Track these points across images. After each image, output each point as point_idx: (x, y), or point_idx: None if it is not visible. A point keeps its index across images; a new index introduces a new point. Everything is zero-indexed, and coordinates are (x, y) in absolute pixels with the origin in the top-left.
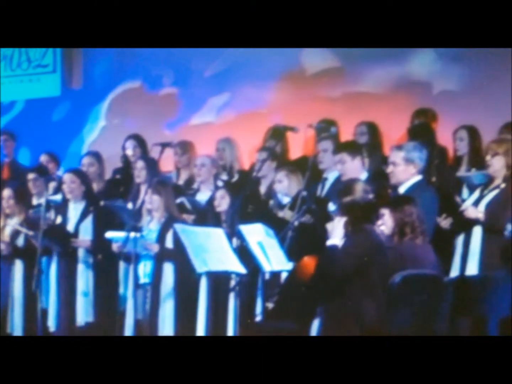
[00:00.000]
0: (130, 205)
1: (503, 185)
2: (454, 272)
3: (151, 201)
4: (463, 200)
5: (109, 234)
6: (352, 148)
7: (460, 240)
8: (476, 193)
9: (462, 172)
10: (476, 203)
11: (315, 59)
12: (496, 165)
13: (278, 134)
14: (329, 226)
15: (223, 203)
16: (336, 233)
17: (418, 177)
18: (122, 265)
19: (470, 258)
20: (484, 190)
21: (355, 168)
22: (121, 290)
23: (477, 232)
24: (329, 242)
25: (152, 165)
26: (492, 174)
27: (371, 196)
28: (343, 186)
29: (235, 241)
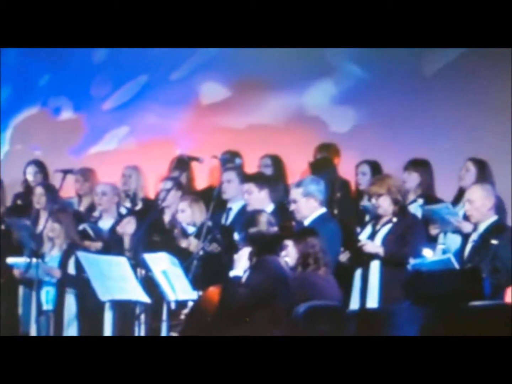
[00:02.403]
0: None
1: (394, 219)
2: (354, 305)
3: (52, 229)
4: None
5: (10, 260)
6: (260, 179)
7: (358, 274)
8: (368, 229)
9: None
10: (370, 238)
11: (210, 90)
12: (384, 204)
13: (182, 164)
14: (235, 256)
15: (128, 227)
16: (240, 264)
17: (322, 210)
18: (24, 290)
19: (369, 292)
20: (376, 225)
21: (262, 200)
22: (23, 315)
23: (375, 266)
24: (231, 273)
25: (51, 191)
26: (382, 214)
27: (275, 228)
28: (248, 217)
29: (139, 269)
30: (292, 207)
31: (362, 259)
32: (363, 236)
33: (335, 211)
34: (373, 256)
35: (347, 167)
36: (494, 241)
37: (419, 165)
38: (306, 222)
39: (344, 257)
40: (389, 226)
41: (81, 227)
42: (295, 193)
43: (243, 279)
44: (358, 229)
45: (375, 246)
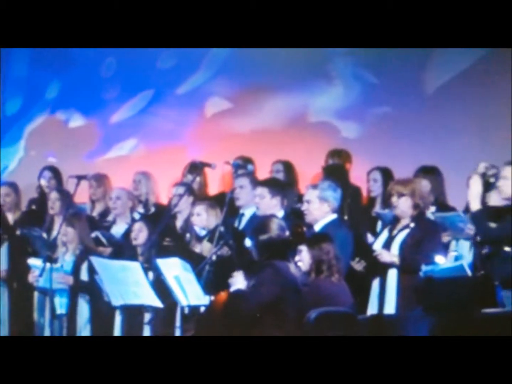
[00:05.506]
0: (44, 235)
1: (412, 224)
2: (372, 312)
3: (65, 233)
4: (375, 237)
5: (30, 261)
6: (274, 185)
7: (376, 281)
8: (385, 233)
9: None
10: (387, 244)
11: (218, 97)
12: (403, 206)
13: (195, 169)
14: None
15: (140, 236)
16: (236, 283)
17: (333, 216)
18: (38, 294)
19: (387, 299)
20: (392, 230)
21: (273, 206)
22: (37, 319)
23: (392, 274)
24: (232, 289)
25: (66, 196)
26: (399, 215)
27: (287, 233)
28: (259, 223)
29: (151, 274)
30: (305, 206)
31: (378, 268)
32: (380, 241)
33: (345, 217)
34: (390, 265)
35: (357, 174)
36: (507, 248)
37: (429, 172)
38: (317, 227)
39: (359, 266)
40: (406, 231)
41: (93, 234)
42: (311, 194)
43: (251, 282)
44: (369, 236)
45: (390, 255)
